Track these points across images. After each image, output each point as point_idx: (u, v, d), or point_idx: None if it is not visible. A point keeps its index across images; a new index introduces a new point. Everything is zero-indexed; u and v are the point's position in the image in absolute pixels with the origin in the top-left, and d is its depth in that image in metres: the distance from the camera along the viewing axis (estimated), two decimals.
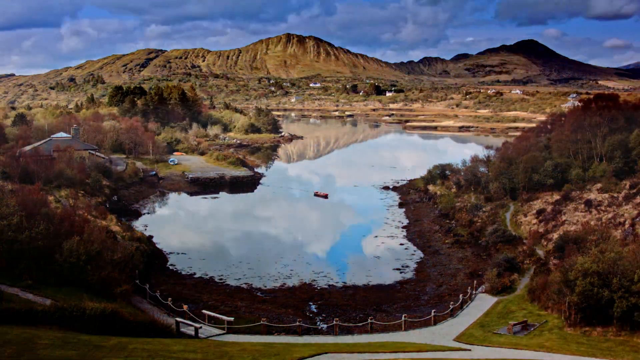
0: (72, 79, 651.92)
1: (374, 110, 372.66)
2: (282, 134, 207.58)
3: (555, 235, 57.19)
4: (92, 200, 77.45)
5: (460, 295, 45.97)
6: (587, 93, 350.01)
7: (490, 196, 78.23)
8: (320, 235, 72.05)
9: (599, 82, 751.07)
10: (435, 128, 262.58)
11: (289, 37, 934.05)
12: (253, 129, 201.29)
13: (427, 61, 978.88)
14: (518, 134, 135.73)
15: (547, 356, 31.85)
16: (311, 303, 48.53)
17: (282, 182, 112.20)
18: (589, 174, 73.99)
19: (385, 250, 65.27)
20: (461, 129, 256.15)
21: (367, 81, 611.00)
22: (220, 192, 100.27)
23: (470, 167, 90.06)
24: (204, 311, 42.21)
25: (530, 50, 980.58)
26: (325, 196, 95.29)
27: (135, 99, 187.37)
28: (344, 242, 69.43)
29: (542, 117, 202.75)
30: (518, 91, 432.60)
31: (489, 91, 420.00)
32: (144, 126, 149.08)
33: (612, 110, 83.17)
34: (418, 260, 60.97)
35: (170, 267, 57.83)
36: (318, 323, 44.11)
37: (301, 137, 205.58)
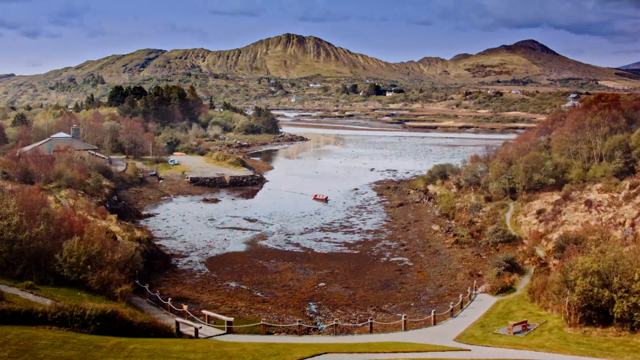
0: (72, 79, 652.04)
1: (373, 110, 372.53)
2: (282, 134, 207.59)
3: (555, 235, 57.15)
4: (92, 200, 77.40)
5: (460, 295, 45.96)
6: (587, 93, 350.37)
7: (490, 196, 78.20)
8: (319, 238, 72.05)
9: (599, 82, 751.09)
10: (435, 128, 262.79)
11: (288, 37, 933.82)
12: (253, 129, 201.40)
13: (427, 61, 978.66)
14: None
15: (547, 356, 31.84)
16: (311, 303, 48.53)
17: (281, 185, 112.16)
18: (589, 174, 73.93)
19: (386, 251, 65.28)
20: (461, 128, 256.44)
21: (367, 81, 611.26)
22: (221, 199, 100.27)
23: (470, 167, 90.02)
24: (204, 311, 42.22)
25: (530, 50, 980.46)
26: (325, 199, 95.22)
27: (135, 99, 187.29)
28: (344, 243, 69.39)
29: (542, 117, 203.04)
30: (518, 91, 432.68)
31: (488, 91, 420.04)
32: (144, 126, 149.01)
33: (613, 110, 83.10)
34: (418, 261, 60.96)
35: (170, 268, 57.83)
36: (318, 323, 44.11)
37: (301, 138, 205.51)
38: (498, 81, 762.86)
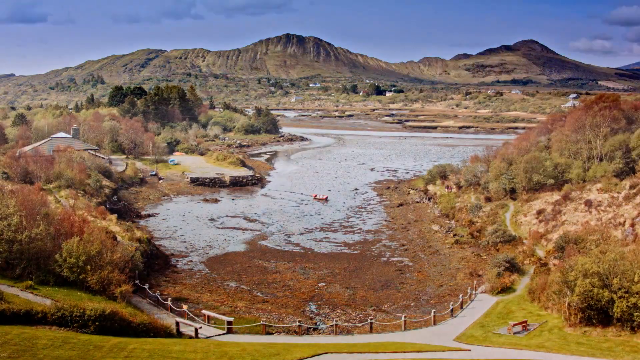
0: (72, 79, 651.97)
1: (373, 110, 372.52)
2: (282, 134, 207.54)
3: (555, 236, 57.14)
4: (92, 200, 77.38)
5: (460, 295, 45.95)
6: (587, 93, 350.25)
7: (490, 196, 78.18)
8: (319, 238, 72.05)
9: (599, 82, 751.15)
10: (435, 128, 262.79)
11: (288, 37, 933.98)
12: (253, 129, 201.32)
13: (427, 61, 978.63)
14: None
15: (547, 356, 31.84)
16: (311, 303, 48.52)
17: (282, 185, 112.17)
18: (589, 174, 73.91)
19: (386, 251, 65.26)
20: (461, 129, 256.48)
21: (367, 81, 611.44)
22: (221, 199, 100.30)
23: (470, 167, 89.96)
24: (204, 311, 42.21)
25: (530, 50, 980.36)
26: (325, 199, 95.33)
27: (135, 99, 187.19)
28: (344, 243, 69.38)
29: (542, 117, 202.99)
30: (518, 91, 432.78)
31: (489, 91, 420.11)
32: (144, 126, 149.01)
33: (613, 110, 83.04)
34: (418, 261, 60.95)
35: (170, 268, 57.81)
36: (318, 323, 44.10)
37: (301, 138, 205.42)
38: (498, 81, 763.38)
